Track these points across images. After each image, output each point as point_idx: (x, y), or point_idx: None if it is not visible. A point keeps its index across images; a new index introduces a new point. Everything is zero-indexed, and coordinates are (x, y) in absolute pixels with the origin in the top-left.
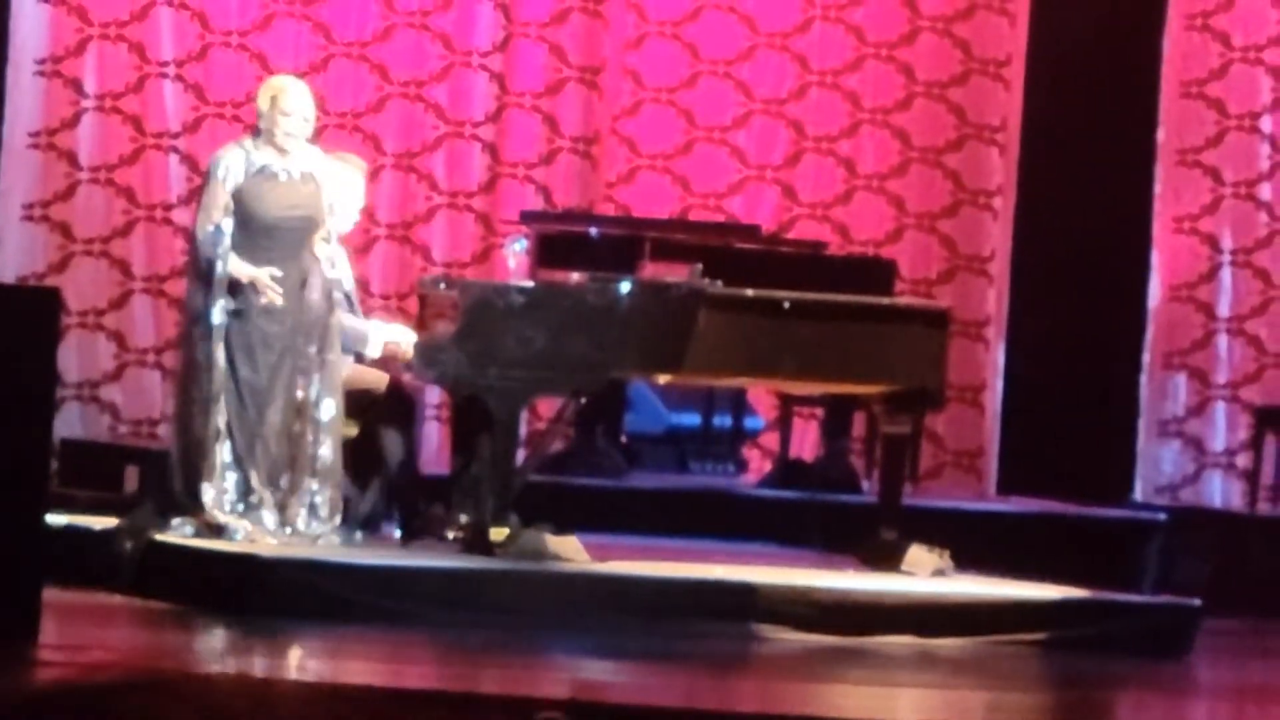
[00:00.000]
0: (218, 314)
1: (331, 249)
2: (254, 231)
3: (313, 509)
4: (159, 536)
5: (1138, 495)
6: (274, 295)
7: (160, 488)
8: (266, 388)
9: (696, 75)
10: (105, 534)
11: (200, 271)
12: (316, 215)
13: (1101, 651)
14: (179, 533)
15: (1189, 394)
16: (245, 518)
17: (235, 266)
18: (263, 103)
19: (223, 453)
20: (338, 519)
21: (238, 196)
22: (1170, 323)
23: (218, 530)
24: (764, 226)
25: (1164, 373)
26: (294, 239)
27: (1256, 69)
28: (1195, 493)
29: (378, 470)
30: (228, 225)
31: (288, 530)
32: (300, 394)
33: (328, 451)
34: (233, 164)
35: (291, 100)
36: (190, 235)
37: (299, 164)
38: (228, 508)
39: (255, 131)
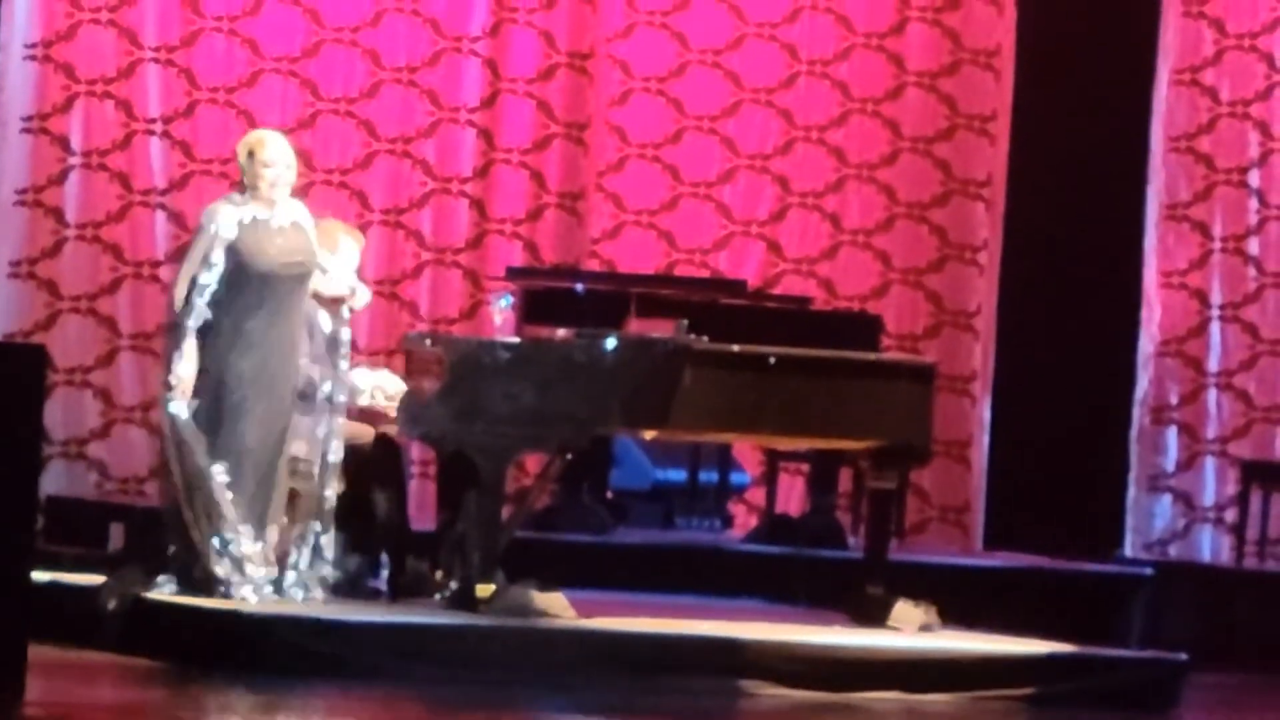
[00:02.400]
0: (185, 366)
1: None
2: (250, 284)
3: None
4: (144, 594)
5: (1128, 550)
6: (185, 394)
7: (149, 546)
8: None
9: (681, 129)
10: (90, 591)
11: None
12: (310, 263)
13: (1089, 706)
14: (164, 590)
15: (1179, 449)
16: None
17: (185, 359)
18: (242, 158)
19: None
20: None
21: (233, 250)
22: (1160, 377)
23: (209, 587)
24: (750, 282)
25: (1154, 427)
26: (290, 287)
27: (1244, 124)
28: (1186, 547)
29: (365, 525)
30: (206, 278)
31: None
32: (291, 444)
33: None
34: (223, 219)
35: (270, 151)
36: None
37: (287, 214)
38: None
39: (240, 188)
